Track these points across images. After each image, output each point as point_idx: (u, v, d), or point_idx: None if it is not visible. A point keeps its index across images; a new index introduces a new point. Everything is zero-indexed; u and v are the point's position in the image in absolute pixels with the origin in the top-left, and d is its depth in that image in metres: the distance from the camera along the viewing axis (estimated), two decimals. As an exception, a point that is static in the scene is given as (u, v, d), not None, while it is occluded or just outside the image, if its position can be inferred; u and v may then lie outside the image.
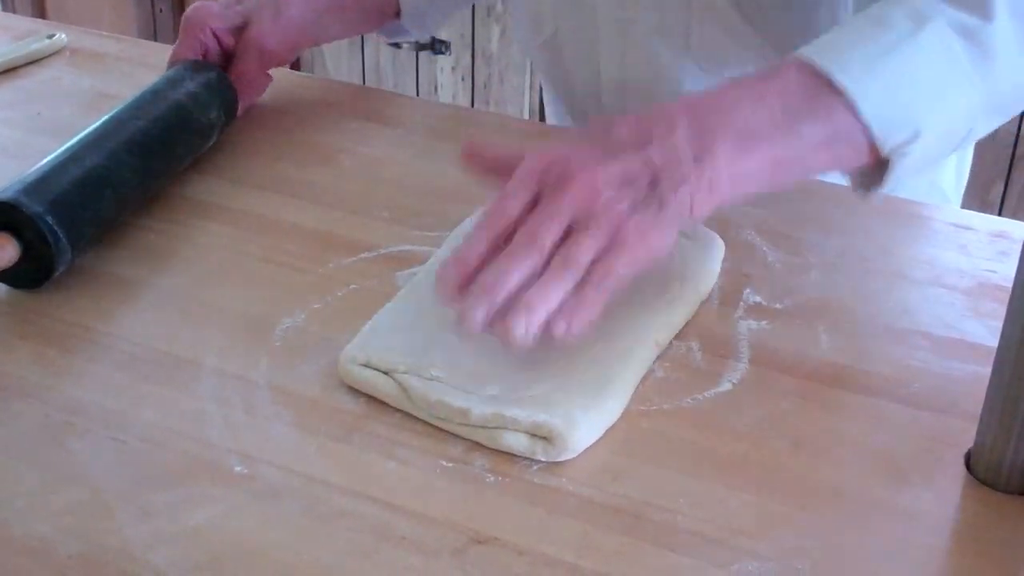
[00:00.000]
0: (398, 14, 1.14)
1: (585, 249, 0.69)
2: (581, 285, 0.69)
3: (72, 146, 0.87)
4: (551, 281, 0.68)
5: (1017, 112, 0.86)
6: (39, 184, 0.82)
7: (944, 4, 0.79)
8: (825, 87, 0.76)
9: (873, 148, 0.77)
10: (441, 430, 0.70)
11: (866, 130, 0.76)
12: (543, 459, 0.68)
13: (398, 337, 0.74)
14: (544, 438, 0.68)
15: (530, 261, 0.69)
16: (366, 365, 0.73)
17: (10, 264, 0.79)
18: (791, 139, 0.75)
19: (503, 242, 0.70)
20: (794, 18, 0.98)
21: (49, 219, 0.80)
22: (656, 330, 0.76)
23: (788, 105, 0.75)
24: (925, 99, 0.77)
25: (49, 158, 0.86)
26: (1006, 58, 0.80)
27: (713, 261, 0.83)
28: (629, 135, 0.73)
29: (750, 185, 0.75)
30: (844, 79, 0.75)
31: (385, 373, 0.72)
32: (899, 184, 0.80)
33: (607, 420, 0.70)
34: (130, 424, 0.70)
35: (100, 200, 0.85)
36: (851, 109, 0.75)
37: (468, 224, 0.86)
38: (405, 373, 0.71)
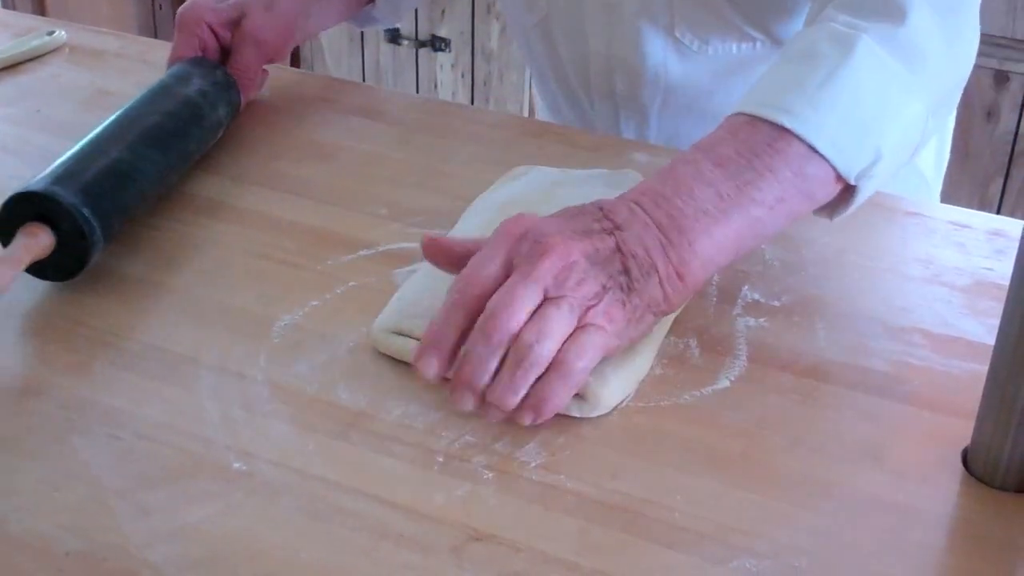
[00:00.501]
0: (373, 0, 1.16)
1: (556, 328, 0.66)
2: (550, 373, 0.66)
3: (93, 139, 0.88)
4: (518, 374, 0.66)
5: (958, 96, 0.87)
6: (70, 176, 0.82)
7: (858, 20, 0.79)
8: (776, 137, 0.75)
9: (838, 179, 0.76)
10: (435, 429, 0.70)
11: (828, 165, 0.75)
12: (577, 415, 0.70)
13: (426, 305, 0.76)
14: (578, 395, 0.70)
15: (502, 347, 0.66)
16: (398, 333, 0.74)
17: (45, 255, 0.79)
18: (745, 207, 0.73)
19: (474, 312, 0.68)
20: (772, 4, 1.00)
21: (85, 210, 0.80)
22: None
23: (736, 172, 0.73)
24: (876, 119, 0.77)
25: (72, 151, 0.86)
26: (935, 53, 0.80)
27: None
28: (595, 220, 0.71)
29: (720, 261, 0.73)
30: (793, 122, 0.74)
31: (417, 340, 0.73)
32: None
33: (635, 378, 0.73)
34: (129, 421, 0.71)
35: (125, 192, 0.85)
36: (808, 148, 0.74)
37: (469, 215, 0.87)
38: None
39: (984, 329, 0.79)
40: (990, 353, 0.66)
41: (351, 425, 0.70)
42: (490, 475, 0.67)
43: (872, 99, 0.77)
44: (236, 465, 0.67)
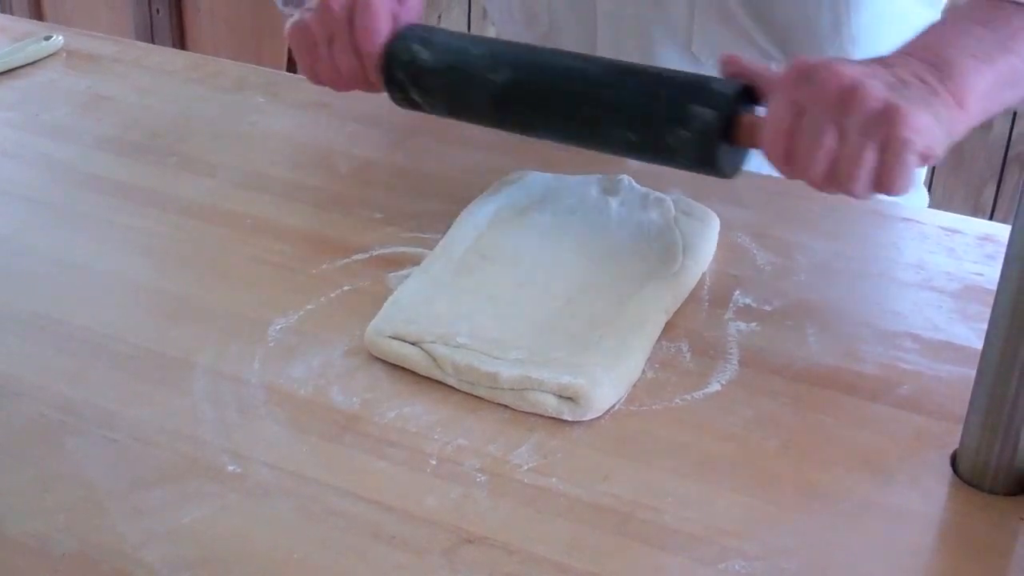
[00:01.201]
0: None
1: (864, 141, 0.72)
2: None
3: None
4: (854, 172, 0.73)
5: None
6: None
7: None
8: (1019, 13, 0.80)
9: None
10: (429, 432, 0.71)
11: None
12: (569, 418, 0.71)
13: (420, 310, 0.78)
14: (570, 398, 0.71)
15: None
16: (394, 337, 0.75)
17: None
18: (1008, 56, 0.78)
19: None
20: (798, 15, 0.99)
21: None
22: (664, 299, 0.80)
23: (994, 30, 0.79)
24: None
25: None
26: None
27: (711, 234, 0.87)
28: (869, 62, 0.76)
29: (988, 105, 0.78)
30: None
31: (412, 344, 0.74)
32: None
33: (627, 380, 0.74)
34: (123, 423, 0.71)
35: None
36: None
37: (464, 220, 0.88)
38: (433, 343, 0.74)
39: (974, 334, 0.79)
40: (979, 357, 0.66)
41: (345, 428, 0.71)
42: (483, 478, 0.67)
43: None
44: (230, 467, 0.68)
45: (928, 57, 0.77)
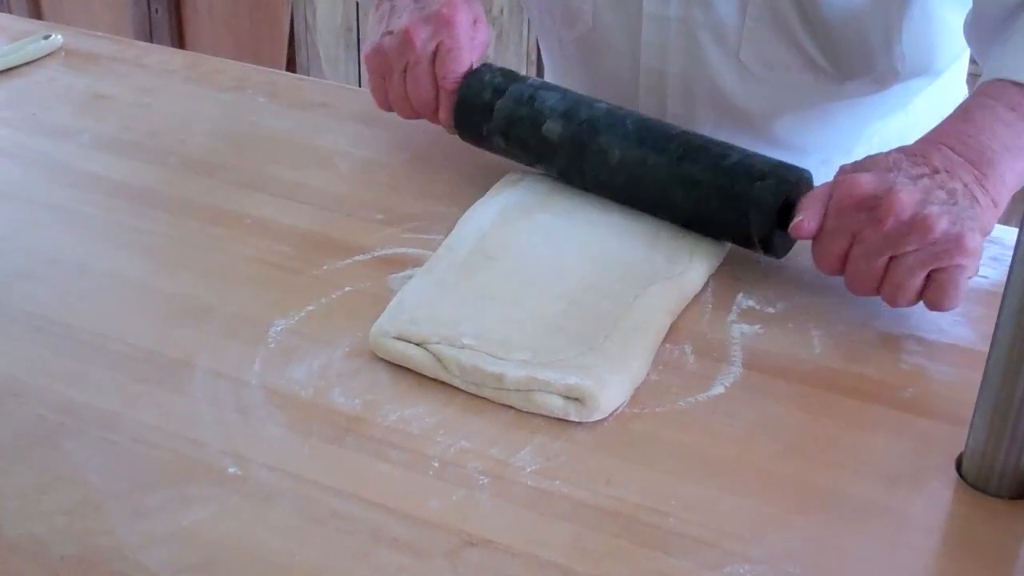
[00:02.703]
0: None
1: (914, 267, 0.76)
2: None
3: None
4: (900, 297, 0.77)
5: None
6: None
7: None
8: None
9: None
10: (431, 434, 0.70)
11: None
12: (575, 419, 0.71)
13: (425, 311, 0.77)
14: (577, 399, 0.70)
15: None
16: (398, 338, 0.75)
17: None
18: None
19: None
20: (852, 25, 0.98)
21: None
22: (669, 300, 0.79)
23: (1020, 117, 0.81)
24: None
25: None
26: None
27: (719, 243, 0.86)
28: (916, 166, 0.78)
29: (1012, 194, 0.81)
30: None
31: (418, 345, 0.74)
32: None
33: (633, 382, 0.73)
34: (123, 425, 0.71)
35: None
36: None
37: (467, 220, 0.87)
38: (438, 344, 0.74)
39: (978, 336, 0.79)
40: (984, 360, 0.66)
41: (346, 430, 0.70)
42: (485, 480, 0.67)
43: None
44: (231, 469, 0.67)
45: (967, 153, 0.79)
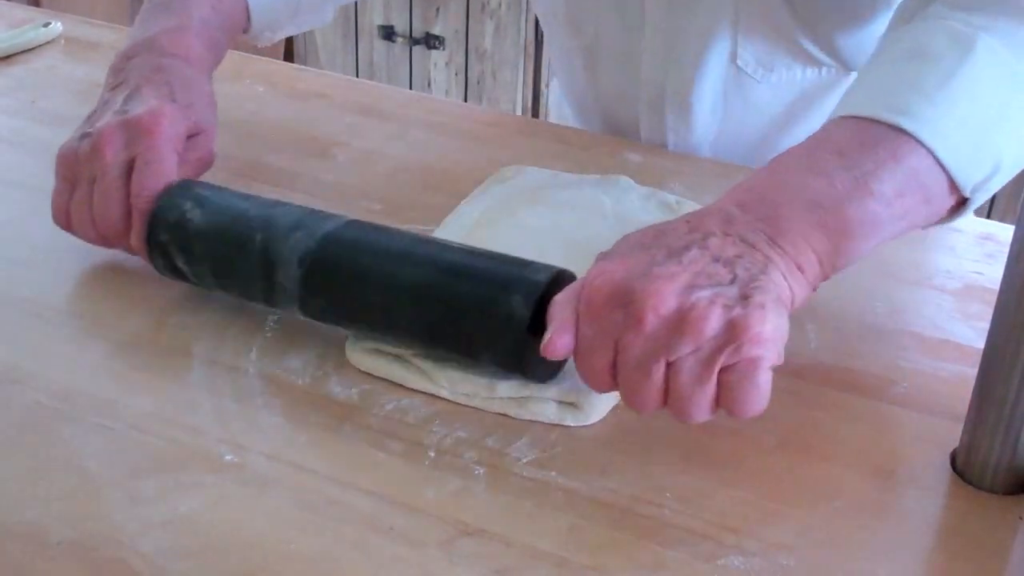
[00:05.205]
0: (246, 30, 1.01)
1: (703, 377, 0.61)
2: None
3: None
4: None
5: None
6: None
7: (974, 17, 0.71)
8: (886, 138, 0.67)
9: (952, 190, 0.69)
10: (427, 424, 0.70)
11: (945, 175, 0.68)
12: (571, 424, 0.70)
13: None
14: (571, 404, 0.70)
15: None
16: (375, 350, 0.74)
17: None
18: (865, 201, 0.66)
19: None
20: (846, 17, 0.97)
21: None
22: None
23: (849, 168, 0.66)
24: (997, 126, 0.69)
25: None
26: None
27: None
28: (680, 236, 0.65)
29: (838, 260, 0.67)
30: (912, 124, 0.67)
31: (394, 356, 0.73)
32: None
33: None
34: (120, 411, 0.71)
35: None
36: (927, 154, 0.67)
37: (451, 220, 0.87)
38: (416, 355, 0.73)
39: (974, 333, 0.79)
40: (979, 356, 0.66)
41: (343, 419, 0.71)
42: (481, 471, 0.67)
43: (993, 105, 0.69)
44: (228, 457, 0.67)
45: (759, 210, 0.65)
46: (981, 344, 0.66)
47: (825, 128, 0.71)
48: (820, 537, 0.64)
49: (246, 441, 0.68)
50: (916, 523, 0.65)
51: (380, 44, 2.72)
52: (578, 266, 0.80)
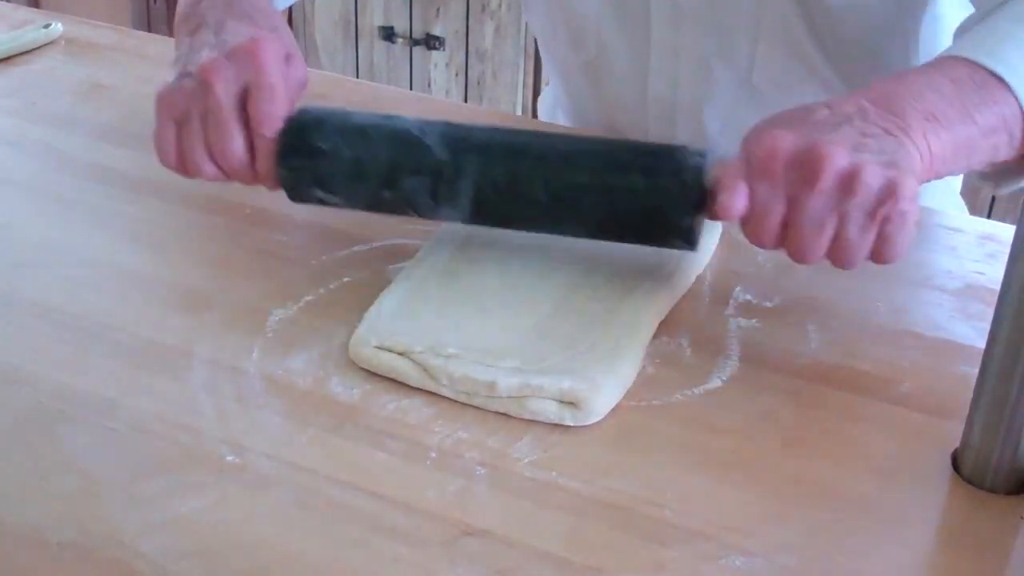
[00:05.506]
0: None
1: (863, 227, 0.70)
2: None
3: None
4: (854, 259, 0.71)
5: None
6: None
7: None
8: (989, 80, 0.76)
9: None
10: (429, 424, 0.70)
11: (1022, 123, 0.77)
12: (571, 424, 0.70)
13: (405, 321, 0.76)
14: (571, 403, 0.70)
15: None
16: (380, 348, 0.74)
17: None
18: (968, 125, 0.75)
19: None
20: (867, 42, 0.97)
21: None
22: (658, 300, 0.79)
23: (961, 93, 0.76)
24: None
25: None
26: None
27: (709, 234, 0.84)
28: (828, 117, 0.73)
29: (938, 167, 0.74)
30: (1006, 72, 0.76)
31: (400, 354, 0.73)
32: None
33: (625, 383, 0.73)
34: (121, 412, 0.71)
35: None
36: (1013, 101, 0.76)
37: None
38: (422, 353, 0.73)
39: (975, 332, 0.79)
40: (980, 356, 0.66)
41: (344, 419, 0.71)
42: (482, 471, 0.67)
43: None
44: (229, 457, 0.67)
45: (888, 106, 0.74)
46: (981, 344, 0.66)
47: (939, 60, 0.79)
48: (821, 537, 0.64)
49: (247, 441, 0.68)
50: (917, 523, 0.66)
51: (380, 45, 2.72)
52: (578, 265, 0.81)
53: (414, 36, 2.67)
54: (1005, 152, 0.78)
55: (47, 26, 1.18)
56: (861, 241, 0.70)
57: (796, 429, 0.71)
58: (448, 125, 0.79)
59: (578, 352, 0.74)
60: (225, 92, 0.78)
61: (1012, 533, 0.65)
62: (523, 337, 0.75)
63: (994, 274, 0.84)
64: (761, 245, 0.73)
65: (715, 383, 0.74)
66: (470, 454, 0.68)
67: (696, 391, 0.74)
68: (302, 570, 0.61)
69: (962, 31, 0.87)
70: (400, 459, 0.68)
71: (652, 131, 1.06)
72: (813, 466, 0.68)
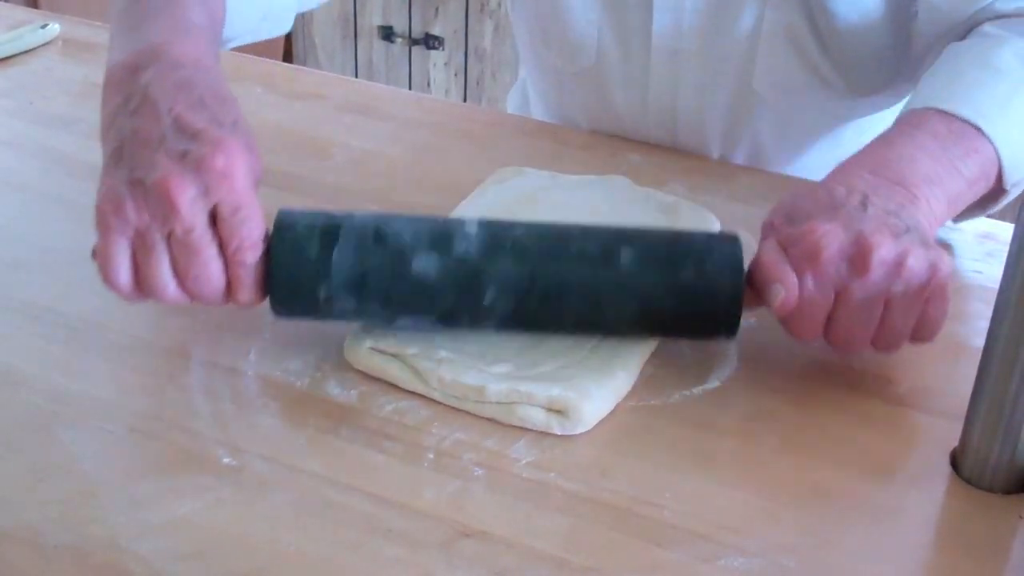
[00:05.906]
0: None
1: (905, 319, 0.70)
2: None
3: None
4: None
5: None
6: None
7: None
8: (966, 130, 0.79)
9: (998, 181, 0.82)
10: (426, 425, 0.70)
11: (997, 169, 0.81)
12: (558, 432, 0.69)
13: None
14: (559, 412, 0.69)
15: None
16: (373, 350, 0.73)
17: None
18: (957, 180, 0.78)
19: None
20: (869, 47, 0.97)
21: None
22: None
23: (945, 148, 0.78)
24: None
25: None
26: None
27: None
28: (847, 197, 0.72)
29: (936, 226, 0.77)
30: (984, 124, 0.79)
31: (394, 356, 0.73)
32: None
33: (618, 393, 0.72)
34: (118, 414, 0.70)
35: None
36: (991, 151, 0.80)
37: (459, 211, 0.87)
38: (415, 355, 0.72)
39: (973, 332, 0.79)
40: (979, 356, 0.66)
41: (341, 421, 0.70)
42: (480, 472, 0.67)
43: None
44: (226, 459, 0.67)
45: (891, 176, 0.75)
46: (981, 343, 0.66)
47: (913, 115, 0.81)
48: (820, 537, 0.64)
49: (244, 443, 0.68)
50: (916, 522, 0.65)
51: (379, 44, 2.72)
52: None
53: (413, 36, 2.67)
54: (981, 201, 0.83)
55: (45, 26, 1.18)
56: (904, 326, 0.70)
57: (795, 429, 0.71)
58: (453, 255, 0.71)
59: (572, 361, 0.73)
60: (192, 212, 0.67)
61: (1011, 533, 0.65)
62: (515, 344, 0.74)
63: (993, 273, 0.84)
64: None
65: (714, 383, 0.74)
66: (468, 455, 0.68)
67: (695, 391, 0.73)
68: (300, 572, 0.60)
69: (928, 75, 0.87)
70: (398, 460, 0.68)
71: (652, 135, 1.05)
72: (812, 466, 0.68)
